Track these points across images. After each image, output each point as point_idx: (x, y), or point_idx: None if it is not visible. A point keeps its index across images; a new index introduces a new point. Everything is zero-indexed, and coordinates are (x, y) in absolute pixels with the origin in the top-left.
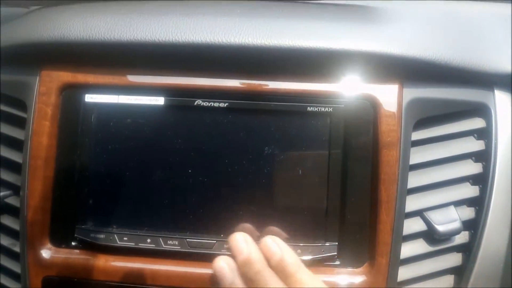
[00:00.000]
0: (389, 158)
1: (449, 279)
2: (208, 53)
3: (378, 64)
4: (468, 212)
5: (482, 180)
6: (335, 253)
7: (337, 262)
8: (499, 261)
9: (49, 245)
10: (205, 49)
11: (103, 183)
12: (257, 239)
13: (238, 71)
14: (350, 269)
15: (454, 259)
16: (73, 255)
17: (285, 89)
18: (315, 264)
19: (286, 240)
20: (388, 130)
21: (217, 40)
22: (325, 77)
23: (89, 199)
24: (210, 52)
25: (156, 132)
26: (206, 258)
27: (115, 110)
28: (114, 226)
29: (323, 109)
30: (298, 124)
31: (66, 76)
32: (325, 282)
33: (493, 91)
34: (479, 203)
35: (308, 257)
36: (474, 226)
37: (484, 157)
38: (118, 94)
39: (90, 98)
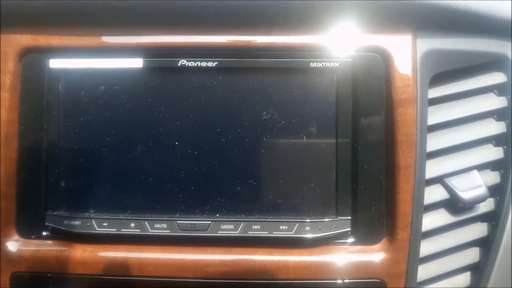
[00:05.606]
0: (406, 117)
1: (475, 252)
2: (192, 5)
3: (388, 12)
4: (492, 177)
5: (506, 140)
6: (349, 229)
7: (351, 239)
8: None
9: (16, 237)
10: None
11: (77, 162)
12: (259, 217)
13: (228, 25)
14: (366, 246)
15: (479, 230)
16: (44, 247)
17: (283, 43)
18: (326, 242)
19: (293, 217)
20: (403, 85)
21: None
22: (329, 29)
23: (60, 181)
24: (194, 3)
25: (136, 99)
26: (200, 242)
27: (86, 76)
28: (91, 211)
29: (328, 64)
30: (300, 83)
31: (25, 39)
32: (338, 262)
33: None
34: (505, 166)
35: (318, 235)
36: (500, 192)
37: (506, 114)
38: (89, 58)
39: (56, 63)
